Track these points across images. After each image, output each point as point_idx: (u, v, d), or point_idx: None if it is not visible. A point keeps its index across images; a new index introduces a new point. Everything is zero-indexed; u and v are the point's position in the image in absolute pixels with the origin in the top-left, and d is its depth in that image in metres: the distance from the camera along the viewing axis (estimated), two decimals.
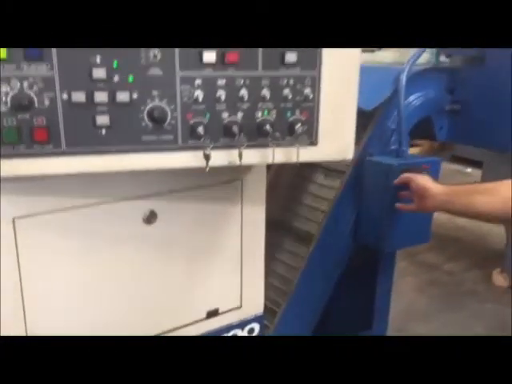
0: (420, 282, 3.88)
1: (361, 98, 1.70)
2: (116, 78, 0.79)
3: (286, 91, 0.88)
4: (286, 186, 2.00)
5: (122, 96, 0.80)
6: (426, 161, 1.66)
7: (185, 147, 0.86)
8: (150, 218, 1.06)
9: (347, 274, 1.84)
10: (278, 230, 1.95)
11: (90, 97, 0.78)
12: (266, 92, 0.87)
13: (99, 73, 0.78)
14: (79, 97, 0.78)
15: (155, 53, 0.80)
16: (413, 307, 3.40)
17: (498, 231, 4.16)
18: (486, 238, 4.48)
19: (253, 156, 0.90)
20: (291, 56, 0.86)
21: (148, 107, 0.82)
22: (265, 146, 0.90)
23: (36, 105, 0.76)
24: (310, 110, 0.91)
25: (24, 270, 0.93)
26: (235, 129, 0.86)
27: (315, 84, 0.90)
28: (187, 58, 0.82)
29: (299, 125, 0.90)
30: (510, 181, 1.29)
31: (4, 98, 0.74)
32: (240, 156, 0.87)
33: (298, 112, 0.90)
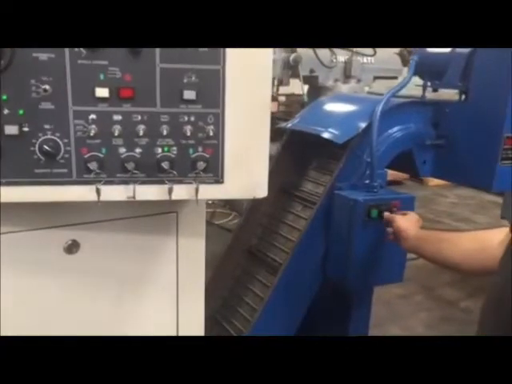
0: (433, 318, 3.72)
1: (336, 130, 1.67)
2: (5, 111, 0.80)
3: (187, 128, 0.87)
4: (264, 215, 1.97)
5: (11, 129, 0.80)
6: (397, 197, 1.59)
7: (80, 181, 0.86)
8: (72, 247, 1.06)
9: (320, 312, 1.78)
10: (252, 259, 1.92)
11: None
12: (164, 128, 0.86)
13: None
14: None
15: (46, 87, 0.81)
16: None
17: None
18: None
19: (152, 192, 0.89)
20: (190, 93, 0.85)
21: (40, 140, 0.82)
22: (164, 182, 0.88)
23: None
24: (214, 147, 0.89)
25: None
26: (131, 164, 0.86)
27: (219, 121, 0.88)
28: (80, 92, 0.82)
29: (201, 162, 0.89)
30: (470, 232, 1.25)
31: None
32: (134, 192, 0.86)
33: (200, 149, 0.89)
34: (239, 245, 1.99)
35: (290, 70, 3.50)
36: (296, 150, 1.93)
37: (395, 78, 4.49)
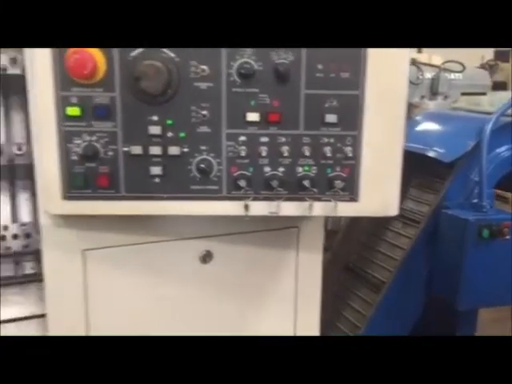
0: None
1: (441, 149, 1.67)
2: (169, 134, 0.90)
3: (326, 149, 0.93)
4: (363, 232, 1.99)
5: (174, 150, 0.90)
6: (509, 218, 1.57)
7: (228, 197, 0.94)
8: (206, 257, 1.15)
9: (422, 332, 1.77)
10: (351, 275, 1.95)
11: (146, 150, 0.90)
12: (306, 149, 0.93)
13: (155, 130, 0.89)
14: (137, 149, 0.90)
15: (204, 113, 0.90)
16: None
17: None
18: None
19: (292, 208, 0.95)
20: (331, 117, 0.91)
21: (196, 160, 0.92)
22: (304, 199, 0.95)
23: (101, 155, 0.89)
24: (351, 167, 0.94)
25: (90, 297, 1.07)
26: (275, 182, 0.93)
27: (356, 143, 0.93)
28: (233, 117, 0.91)
29: (339, 181, 0.94)
30: None
31: (76, 149, 0.88)
32: (278, 207, 0.93)
33: (338, 169, 0.94)
34: (338, 261, 2.02)
35: None
36: None
37: (484, 93, 4.35)
